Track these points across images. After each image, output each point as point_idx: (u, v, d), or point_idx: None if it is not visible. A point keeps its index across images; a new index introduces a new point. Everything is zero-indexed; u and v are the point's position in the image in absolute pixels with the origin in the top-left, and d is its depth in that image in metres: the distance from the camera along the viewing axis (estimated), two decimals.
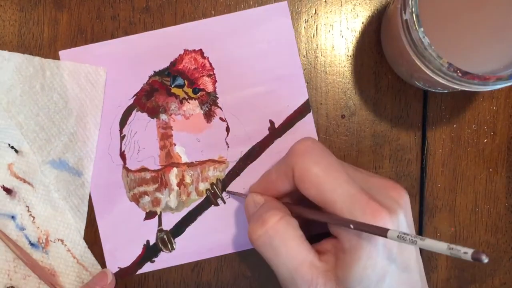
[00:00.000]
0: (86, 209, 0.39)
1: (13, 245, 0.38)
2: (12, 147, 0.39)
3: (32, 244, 0.39)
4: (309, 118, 0.39)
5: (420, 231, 0.39)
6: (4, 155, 0.39)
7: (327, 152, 0.32)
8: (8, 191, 0.39)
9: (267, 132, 0.39)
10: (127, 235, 0.39)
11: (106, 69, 0.39)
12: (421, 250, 0.39)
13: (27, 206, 0.39)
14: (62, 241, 0.39)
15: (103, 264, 0.39)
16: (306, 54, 0.39)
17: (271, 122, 0.39)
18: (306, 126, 0.39)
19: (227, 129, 0.39)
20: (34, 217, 0.39)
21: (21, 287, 0.39)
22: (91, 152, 0.39)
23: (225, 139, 0.39)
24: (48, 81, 0.39)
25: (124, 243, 0.39)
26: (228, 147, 0.39)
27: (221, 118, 0.39)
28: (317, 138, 0.39)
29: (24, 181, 0.39)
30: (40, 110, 0.39)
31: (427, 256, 0.39)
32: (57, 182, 0.39)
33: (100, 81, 0.39)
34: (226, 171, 0.39)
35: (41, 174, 0.39)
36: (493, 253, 0.39)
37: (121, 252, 0.39)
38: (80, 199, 0.39)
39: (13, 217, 0.39)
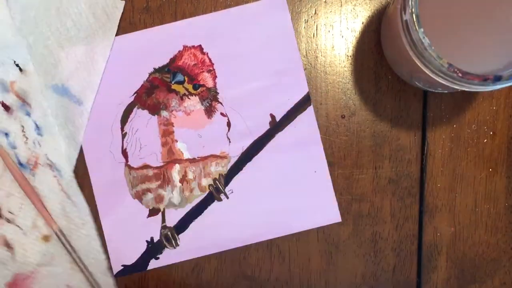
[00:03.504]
0: (81, 139, 0.39)
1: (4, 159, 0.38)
2: (17, 65, 0.38)
3: (20, 164, 0.39)
4: (310, 111, 0.39)
5: (420, 231, 0.39)
6: (8, 72, 0.38)
7: None
8: (6, 107, 0.38)
9: (268, 126, 0.39)
10: (131, 232, 0.39)
11: (124, 3, 0.39)
12: (420, 250, 0.39)
13: (22, 126, 0.39)
14: (50, 166, 0.39)
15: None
16: (306, 54, 0.39)
17: (272, 116, 0.39)
18: (307, 119, 0.39)
19: (228, 124, 0.39)
20: (27, 138, 0.39)
21: (3, 203, 0.39)
22: (95, 84, 0.39)
23: (227, 134, 0.39)
24: (64, 6, 0.38)
25: (128, 241, 0.39)
26: (229, 142, 0.39)
27: (222, 113, 0.39)
28: (318, 131, 0.39)
29: (24, 100, 0.38)
30: (51, 34, 0.38)
31: (427, 256, 0.39)
32: (56, 108, 0.39)
33: (116, 14, 0.39)
34: (229, 166, 0.39)
35: (42, 96, 0.38)
36: (493, 253, 0.39)
37: (126, 250, 0.39)
38: (77, 128, 0.39)
39: (6, 134, 0.39)
